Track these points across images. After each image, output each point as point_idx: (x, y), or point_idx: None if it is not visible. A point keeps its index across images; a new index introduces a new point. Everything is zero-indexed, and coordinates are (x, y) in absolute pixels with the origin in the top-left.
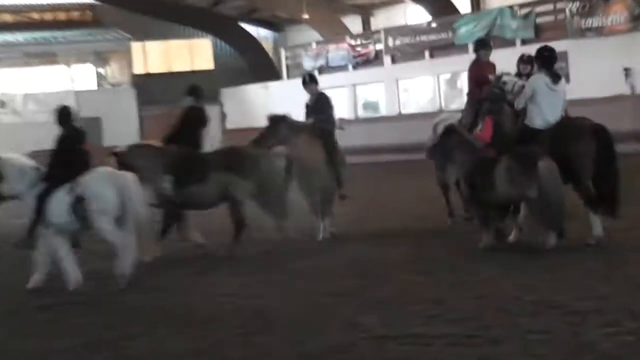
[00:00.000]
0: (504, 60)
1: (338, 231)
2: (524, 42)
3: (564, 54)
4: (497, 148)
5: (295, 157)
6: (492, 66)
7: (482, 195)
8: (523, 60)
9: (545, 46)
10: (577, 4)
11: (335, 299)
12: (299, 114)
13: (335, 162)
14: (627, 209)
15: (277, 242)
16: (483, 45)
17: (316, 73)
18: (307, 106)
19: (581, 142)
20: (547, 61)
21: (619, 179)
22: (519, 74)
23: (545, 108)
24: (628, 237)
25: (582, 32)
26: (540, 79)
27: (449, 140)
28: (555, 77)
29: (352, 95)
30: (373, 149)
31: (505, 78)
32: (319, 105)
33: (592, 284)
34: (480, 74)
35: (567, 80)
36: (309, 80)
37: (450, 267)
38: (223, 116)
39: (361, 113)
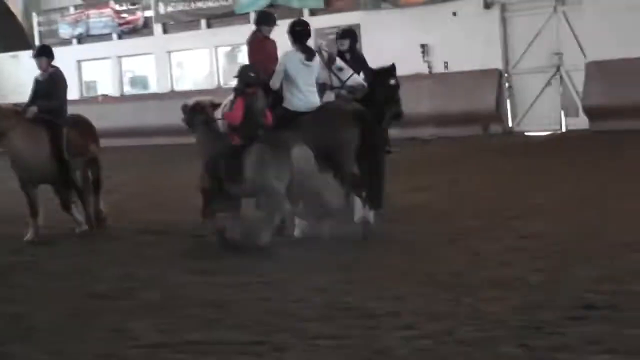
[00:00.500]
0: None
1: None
2: (313, 12)
3: (357, 27)
4: (247, 133)
5: (12, 151)
6: (273, 43)
7: (227, 186)
8: (340, 35)
9: (298, 20)
10: None
11: (98, 303)
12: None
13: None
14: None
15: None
16: (266, 19)
17: (75, 42)
18: (37, 83)
19: (343, 130)
20: (300, 36)
21: (382, 169)
22: (338, 52)
23: (302, 86)
24: (429, 231)
25: (377, 3)
26: (293, 55)
27: (193, 119)
28: (309, 53)
29: (118, 68)
30: (142, 130)
31: (339, 63)
32: (50, 86)
33: (389, 283)
34: (261, 50)
35: (361, 56)
36: (40, 54)
37: (232, 266)
38: None
39: (128, 89)
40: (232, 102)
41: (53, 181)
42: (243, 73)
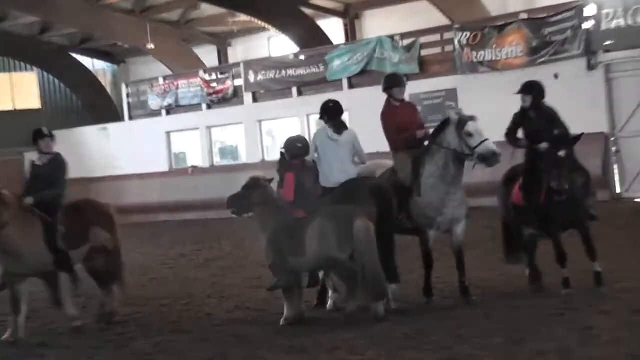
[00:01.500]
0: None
1: None
2: (408, 77)
3: (453, 92)
4: (302, 207)
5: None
6: (411, 106)
7: (290, 260)
8: (521, 90)
9: (330, 100)
10: (467, 34)
11: None
12: (142, 160)
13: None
14: None
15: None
16: (395, 81)
17: (164, 113)
18: (35, 167)
19: (360, 204)
20: (331, 112)
21: (392, 244)
22: (521, 110)
23: (330, 161)
24: (534, 305)
25: (474, 67)
26: (322, 131)
27: (252, 195)
28: (339, 127)
29: (207, 139)
30: None
31: (470, 127)
32: (53, 171)
33: None
34: (396, 119)
35: (549, 112)
36: (45, 135)
37: (328, 343)
38: None
39: (218, 160)
40: (281, 178)
41: (44, 274)
42: (290, 145)
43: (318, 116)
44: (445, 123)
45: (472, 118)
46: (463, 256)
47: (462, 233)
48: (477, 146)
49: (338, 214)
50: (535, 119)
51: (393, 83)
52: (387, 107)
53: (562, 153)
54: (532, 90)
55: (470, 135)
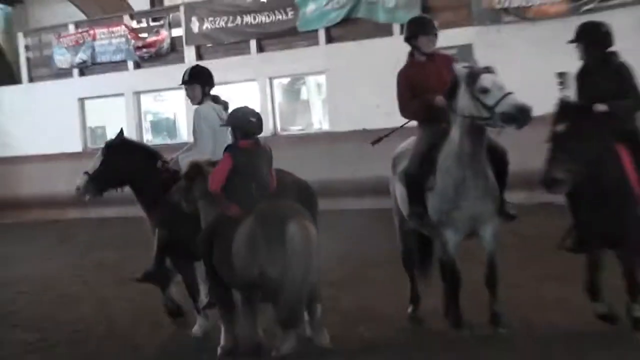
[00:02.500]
0: (377, 56)
1: None
2: None
3: (468, 48)
4: (239, 202)
5: None
6: (444, 62)
7: (221, 272)
8: (576, 36)
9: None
10: None
11: None
12: (45, 136)
13: None
14: None
15: None
16: (421, 26)
17: (75, 73)
18: None
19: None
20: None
21: None
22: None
23: (221, 149)
24: (575, 332)
25: (496, 15)
26: (210, 110)
27: (193, 186)
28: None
29: (135, 109)
30: None
31: (485, 80)
32: None
33: None
34: (415, 81)
35: (620, 67)
36: None
37: None
38: None
39: (149, 137)
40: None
41: None
42: (240, 119)
43: (286, 80)
44: (454, 83)
45: (487, 69)
46: (495, 269)
47: (492, 237)
48: (496, 103)
49: (269, 213)
50: (599, 75)
51: (418, 29)
52: (407, 65)
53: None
54: (587, 34)
55: (485, 91)
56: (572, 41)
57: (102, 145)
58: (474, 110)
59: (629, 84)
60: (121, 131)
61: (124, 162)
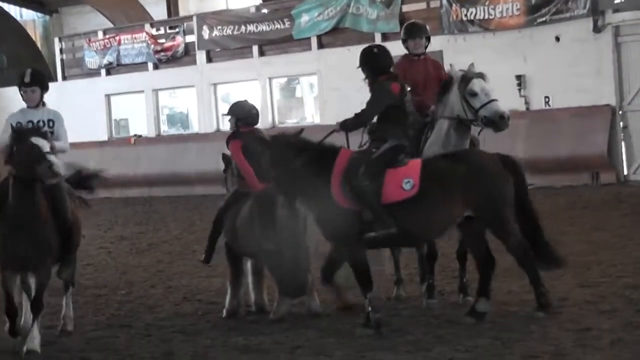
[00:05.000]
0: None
1: None
2: (386, 36)
3: (439, 54)
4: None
5: None
6: (431, 64)
7: (228, 240)
8: None
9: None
10: None
11: None
12: (76, 127)
13: None
14: None
15: None
16: (409, 31)
17: (103, 73)
18: None
19: None
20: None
21: None
22: None
23: None
24: (527, 303)
25: (463, 26)
26: None
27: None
28: None
29: (153, 104)
30: (181, 178)
31: (475, 85)
32: None
33: None
34: (406, 77)
35: None
36: None
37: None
38: None
39: (165, 128)
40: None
41: None
42: (243, 110)
43: (283, 80)
44: (448, 82)
45: (479, 75)
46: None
47: None
48: (481, 107)
49: (264, 194)
50: None
51: (408, 34)
52: (401, 59)
53: None
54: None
55: (474, 94)
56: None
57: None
58: (461, 110)
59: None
60: None
61: None
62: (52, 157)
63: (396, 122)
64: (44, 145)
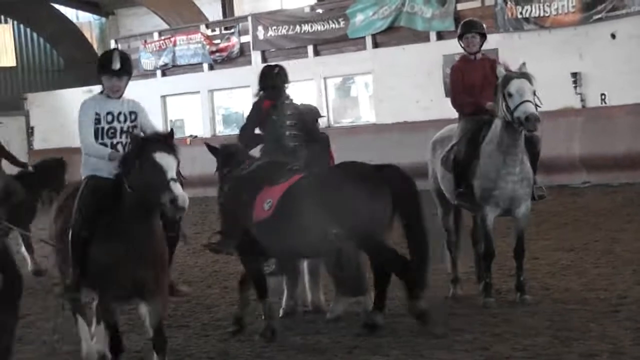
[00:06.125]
0: (416, 59)
1: None
2: (441, 35)
3: (494, 52)
4: None
5: None
6: (489, 63)
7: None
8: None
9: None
10: None
11: None
12: None
13: None
14: None
15: None
16: (465, 27)
17: (158, 74)
18: None
19: None
20: None
21: None
22: None
23: None
24: (584, 301)
25: (518, 23)
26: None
27: None
28: None
29: (209, 104)
30: None
31: (512, 86)
32: None
33: None
34: (464, 77)
35: None
36: None
37: None
38: (29, 131)
39: (221, 129)
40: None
41: None
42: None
43: (338, 79)
44: (497, 84)
45: (522, 75)
46: (523, 244)
47: (524, 216)
48: (515, 108)
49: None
50: None
51: (462, 30)
52: (459, 60)
53: None
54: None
55: (510, 95)
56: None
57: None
58: (503, 109)
59: None
60: None
61: None
62: (177, 189)
63: (270, 138)
64: (171, 166)
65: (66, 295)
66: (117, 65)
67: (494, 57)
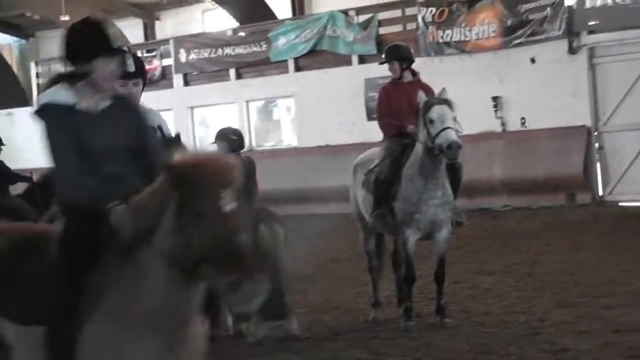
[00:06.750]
0: (338, 83)
1: None
2: (363, 59)
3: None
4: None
5: None
6: (416, 87)
7: None
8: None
9: None
10: (432, 10)
11: None
12: None
13: None
14: None
15: None
16: (388, 54)
17: None
18: None
19: None
20: None
21: None
22: None
23: None
24: (503, 324)
25: (440, 48)
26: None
27: None
28: None
29: None
30: None
31: (433, 112)
32: None
33: None
34: (390, 100)
35: None
36: None
37: None
38: None
39: None
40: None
41: None
42: (223, 135)
43: (260, 102)
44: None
45: (443, 101)
46: (444, 268)
47: (444, 241)
48: (436, 135)
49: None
50: None
51: (386, 56)
52: (387, 84)
53: None
54: None
55: (431, 121)
56: None
57: None
58: (425, 136)
59: None
60: None
61: None
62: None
63: None
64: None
65: None
66: (131, 67)
67: (424, 83)
